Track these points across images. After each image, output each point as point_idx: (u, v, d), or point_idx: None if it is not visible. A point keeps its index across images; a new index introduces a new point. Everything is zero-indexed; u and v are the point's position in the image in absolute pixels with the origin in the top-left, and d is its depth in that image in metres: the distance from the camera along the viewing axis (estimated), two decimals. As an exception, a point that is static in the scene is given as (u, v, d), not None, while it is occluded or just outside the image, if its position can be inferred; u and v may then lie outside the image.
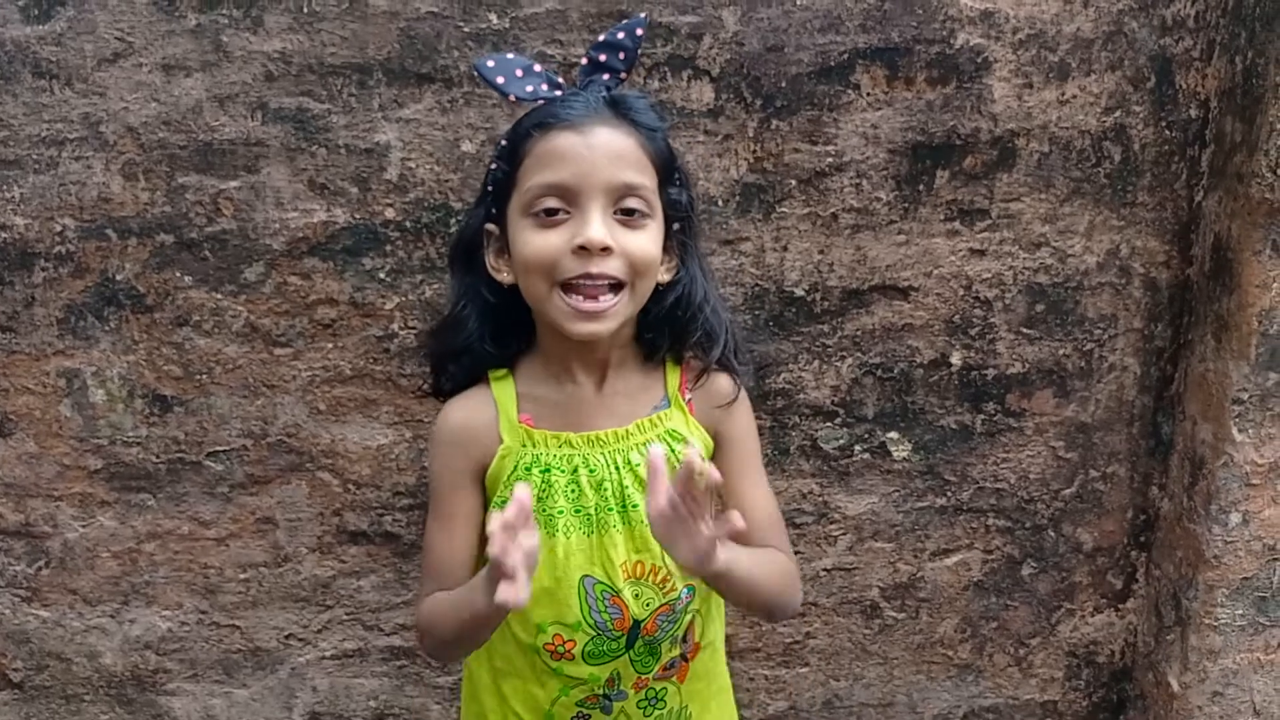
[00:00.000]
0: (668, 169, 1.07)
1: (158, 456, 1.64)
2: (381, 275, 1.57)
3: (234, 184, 1.52)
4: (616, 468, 1.09)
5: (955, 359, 1.66)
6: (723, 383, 1.16)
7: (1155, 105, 1.57)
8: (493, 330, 1.11)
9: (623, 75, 1.06)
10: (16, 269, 1.55)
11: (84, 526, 1.67)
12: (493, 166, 1.08)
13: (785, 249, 1.59)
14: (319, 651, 1.76)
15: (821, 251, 1.59)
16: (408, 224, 1.55)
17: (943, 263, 1.61)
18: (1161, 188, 1.60)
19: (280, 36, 1.47)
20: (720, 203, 1.56)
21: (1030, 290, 1.63)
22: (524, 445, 1.10)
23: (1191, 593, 1.67)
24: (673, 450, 1.10)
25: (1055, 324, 1.65)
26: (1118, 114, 1.57)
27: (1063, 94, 1.55)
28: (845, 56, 1.51)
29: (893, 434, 1.69)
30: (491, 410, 1.12)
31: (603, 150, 1.00)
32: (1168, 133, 1.58)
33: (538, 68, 1.05)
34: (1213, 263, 1.58)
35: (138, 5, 1.45)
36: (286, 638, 1.75)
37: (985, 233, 1.60)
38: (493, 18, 1.47)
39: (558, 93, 1.05)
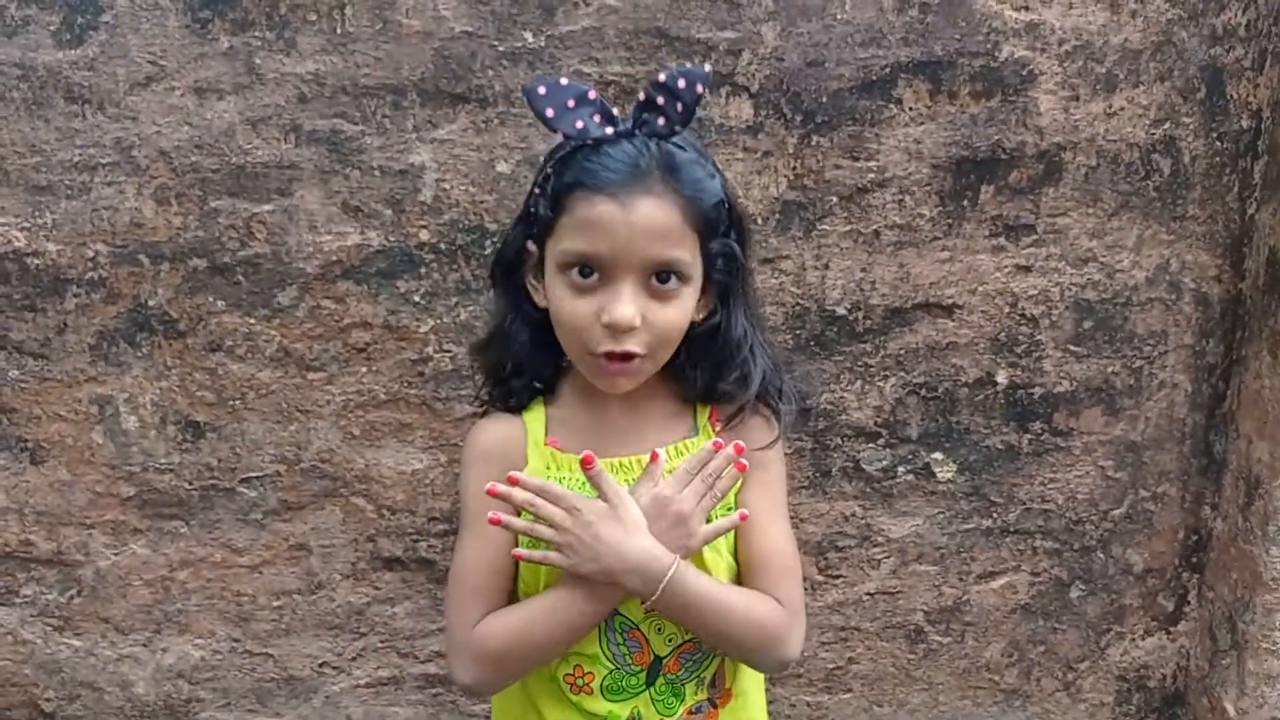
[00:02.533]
0: (713, 227, 1.03)
1: (190, 483, 1.62)
2: (416, 298, 1.54)
3: (267, 207, 1.50)
4: None
5: (1001, 378, 1.62)
6: (757, 430, 1.12)
7: (1205, 116, 1.53)
8: (541, 343, 1.09)
9: (677, 129, 1.00)
10: (49, 295, 1.53)
11: (116, 554, 1.65)
12: (535, 192, 1.05)
13: (826, 267, 1.56)
14: (353, 680, 1.74)
15: (864, 269, 1.56)
16: (442, 246, 1.52)
17: (988, 279, 1.58)
18: (1212, 200, 1.56)
19: (313, 58, 1.45)
20: (760, 220, 1.53)
21: (1078, 306, 1.60)
22: (549, 468, 1.08)
23: (1248, 616, 1.62)
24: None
25: (1104, 341, 1.61)
26: (1167, 126, 1.53)
27: (1110, 106, 1.52)
28: (887, 70, 1.48)
29: (937, 455, 1.65)
30: (520, 432, 1.11)
31: (642, 226, 0.97)
32: (1219, 144, 1.54)
33: (592, 94, 1.01)
34: (1267, 276, 1.54)
35: (170, 28, 1.44)
36: (320, 666, 1.72)
37: (1031, 248, 1.57)
38: (528, 36, 1.45)
39: (609, 130, 1.00)
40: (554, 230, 1.01)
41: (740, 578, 1.12)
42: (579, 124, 0.99)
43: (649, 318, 0.99)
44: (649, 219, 0.97)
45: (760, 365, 1.10)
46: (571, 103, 0.99)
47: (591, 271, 0.99)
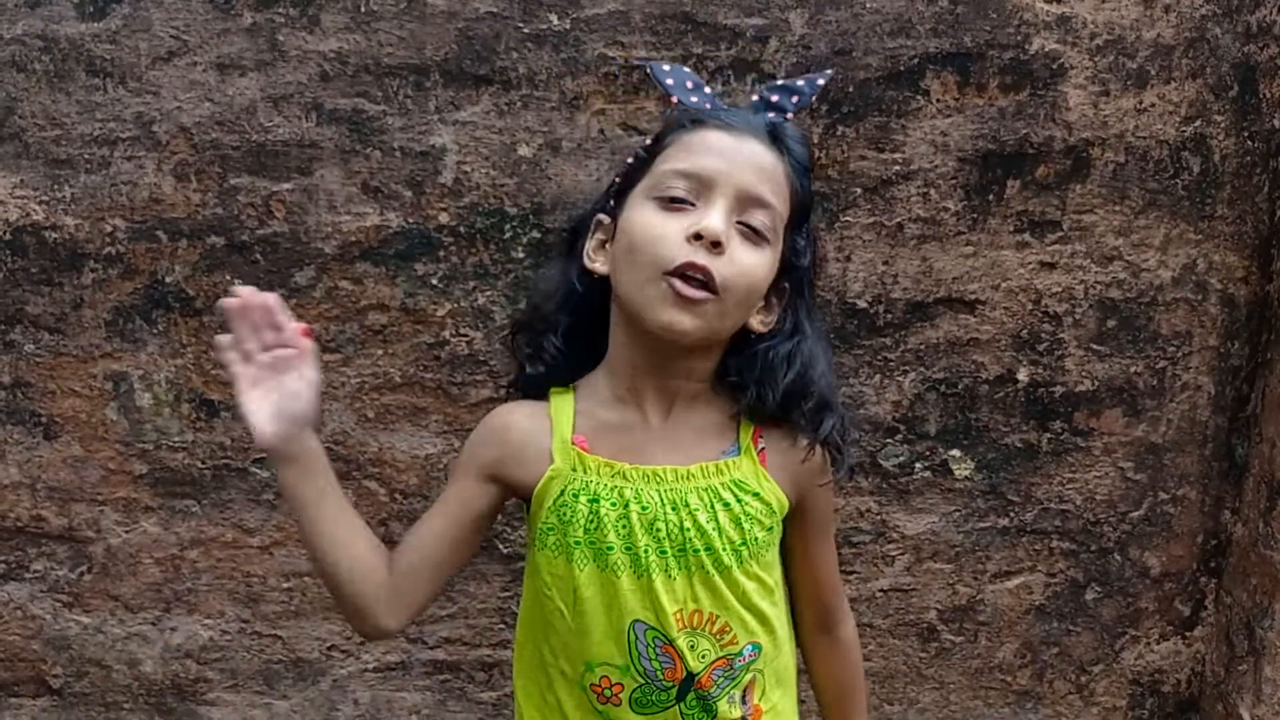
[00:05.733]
0: (802, 213, 1.05)
1: (203, 462, 1.61)
2: (434, 281, 1.53)
3: (286, 186, 1.49)
4: (673, 508, 1.02)
5: (1022, 375, 1.61)
6: (816, 456, 1.08)
7: (1237, 115, 1.51)
8: (569, 326, 1.08)
9: (789, 115, 1.06)
10: (66, 270, 1.53)
11: (127, 532, 1.65)
12: (630, 160, 1.07)
13: (848, 259, 1.54)
14: (361, 664, 1.73)
15: (886, 262, 1.55)
16: (462, 229, 1.51)
17: (1011, 275, 1.56)
18: (1242, 200, 1.55)
19: (337, 36, 1.44)
20: (782, 211, 1.51)
21: (1102, 305, 1.58)
22: (574, 469, 1.04)
23: (1267, 622, 1.60)
24: (739, 501, 1.04)
25: (1127, 340, 1.60)
26: (1197, 123, 1.51)
27: (1140, 102, 1.50)
28: (915, 61, 1.47)
29: (955, 452, 1.64)
30: (545, 424, 1.07)
31: (748, 157, 0.99)
32: (1250, 143, 1.52)
33: (708, 89, 1.08)
34: (1295, 279, 1.52)
35: (193, 3, 1.43)
36: (329, 649, 1.71)
37: (1056, 245, 1.55)
38: (553, 18, 1.44)
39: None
40: (651, 166, 1.02)
41: (796, 598, 1.17)
42: (694, 99, 1.06)
43: (733, 252, 0.97)
44: (756, 154, 1.00)
45: (834, 398, 1.06)
46: (690, 84, 1.06)
47: (683, 200, 0.98)
